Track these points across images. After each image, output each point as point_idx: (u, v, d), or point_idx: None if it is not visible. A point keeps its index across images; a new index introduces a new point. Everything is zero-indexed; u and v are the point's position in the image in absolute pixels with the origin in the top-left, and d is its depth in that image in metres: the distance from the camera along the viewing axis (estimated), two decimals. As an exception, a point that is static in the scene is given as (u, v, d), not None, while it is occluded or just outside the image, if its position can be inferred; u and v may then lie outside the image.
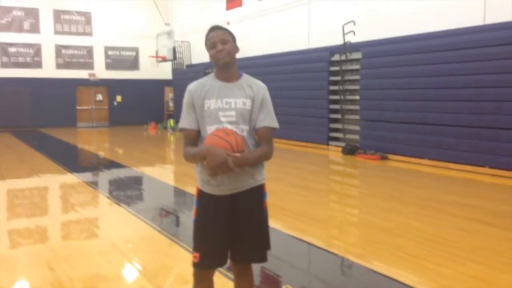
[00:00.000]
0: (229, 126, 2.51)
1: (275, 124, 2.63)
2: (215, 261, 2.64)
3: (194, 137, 2.63)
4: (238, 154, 2.41)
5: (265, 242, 2.69)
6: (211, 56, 2.59)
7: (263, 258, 2.71)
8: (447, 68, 9.64)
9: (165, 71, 23.10)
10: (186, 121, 2.63)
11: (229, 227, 2.58)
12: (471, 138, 9.21)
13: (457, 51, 9.47)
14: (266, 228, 2.70)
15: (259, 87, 2.63)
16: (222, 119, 2.53)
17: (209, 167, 2.39)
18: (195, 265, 2.62)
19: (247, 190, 2.59)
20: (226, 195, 2.57)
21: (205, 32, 2.67)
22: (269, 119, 2.61)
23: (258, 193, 2.65)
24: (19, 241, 5.27)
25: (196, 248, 2.63)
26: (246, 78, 2.65)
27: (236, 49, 2.62)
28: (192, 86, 2.65)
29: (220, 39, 2.56)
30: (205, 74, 16.96)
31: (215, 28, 2.62)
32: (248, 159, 2.51)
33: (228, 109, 2.54)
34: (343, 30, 12.13)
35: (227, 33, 2.60)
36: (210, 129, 2.54)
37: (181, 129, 2.68)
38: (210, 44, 2.58)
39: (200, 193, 2.67)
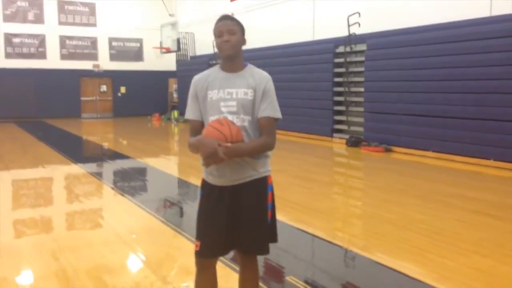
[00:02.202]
0: (229, 116, 2.51)
1: (277, 114, 2.58)
2: (216, 251, 2.64)
3: (198, 128, 2.64)
4: (229, 144, 2.40)
5: (267, 234, 2.66)
6: (217, 45, 2.58)
7: (264, 251, 2.67)
8: (452, 60, 9.59)
9: (169, 63, 23.08)
10: (190, 112, 2.67)
11: (231, 217, 2.58)
12: (476, 131, 9.17)
13: (463, 42, 9.42)
14: (269, 221, 2.67)
15: (262, 77, 2.60)
16: (223, 109, 2.53)
17: (201, 157, 2.42)
18: (196, 253, 2.64)
19: (249, 181, 2.59)
20: (228, 185, 2.57)
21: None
22: (270, 108, 2.56)
23: (261, 185, 2.63)
24: (24, 231, 5.31)
25: (198, 237, 2.65)
26: (250, 69, 2.63)
27: (243, 42, 2.61)
28: (196, 78, 2.67)
29: (227, 29, 2.54)
30: (209, 65, 16.93)
31: (225, 17, 2.60)
32: (242, 150, 2.49)
33: (229, 99, 2.54)
34: (348, 22, 12.07)
35: (236, 24, 2.58)
36: (212, 119, 2.55)
37: (186, 120, 2.70)
38: (218, 33, 2.55)
39: (204, 183, 2.69)
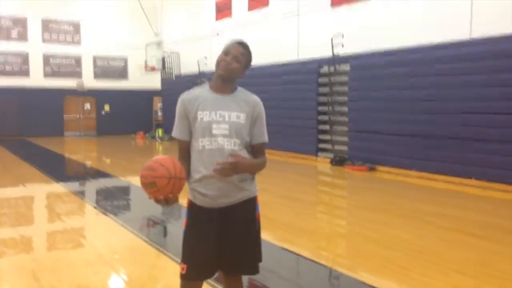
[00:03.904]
0: (220, 139, 2.50)
1: (267, 138, 2.68)
2: (203, 274, 2.61)
3: (185, 148, 2.63)
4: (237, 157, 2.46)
5: (257, 254, 2.67)
6: (217, 60, 2.57)
7: (255, 270, 2.68)
8: (434, 81, 9.75)
9: (154, 81, 23.07)
10: (178, 132, 2.63)
11: (219, 239, 2.55)
12: (458, 151, 9.29)
13: (444, 64, 9.59)
14: (258, 240, 2.68)
15: (255, 103, 2.62)
16: (215, 131, 2.51)
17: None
18: (182, 276, 2.59)
19: (238, 203, 2.58)
20: (216, 207, 2.55)
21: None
22: (264, 134, 2.65)
23: (249, 206, 2.63)
24: (4, 251, 5.19)
25: (184, 260, 2.60)
26: (241, 92, 2.63)
27: (241, 74, 2.60)
28: (185, 96, 2.62)
29: (235, 55, 2.54)
30: (194, 84, 16.95)
31: (241, 44, 2.60)
32: (254, 164, 2.58)
33: (221, 121, 2.52)
34: (332, 42, 12.22)
35: (245, 55, 2.59)
36: (202, 141, 2.52)
37: (171, 138, 2.69)
38: (225, 51, 2.56)
39: (191, 204, 2.64)
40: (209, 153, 2.51)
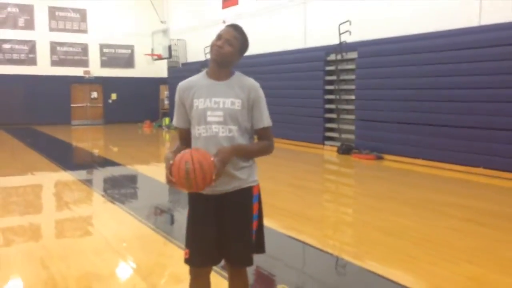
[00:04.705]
0: (215, 126, 2.49)
1: (270, 122, 2.62)
2: (205, 259, 2.60)
3: (184, 136, 2.66)
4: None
5: (250, 246, 2.62)
6: (210, 45, 2.55)
7: (247, 262, 2.64)
8: (442, 68, 9.66)
9: (160, 69, 23.07)
10: (176, 120, 2.68)
11: (218, 227, 2.56)
12: (465, 139, 9.23)
13: (452, 51, 9.50)
14: (253, 231, 2.62)
15: (251, 87, 2.55)
16: (209, 118, 2.50)
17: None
18: (186, 261, 2.62)
19: (234, 192, 2.56)
20: (213, 195, 2.55)
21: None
22: (265, 118, 2.58)
23: (245, 195, 2.60)
24: (13, 238, 5.25)
25: (187, 245, 2.64)
26: (237, 77, 2.59)
27: (236, 58, 2.55)
28: (181, 85, 2.63)
29: (227, 38, 2.50)
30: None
31: (233, 26, 2.57)
32: (250, 150, 2.56)
33: (216, 108, 2.50)
34: (339, 30, 12.14)
35: (238, 39, 2.53)
36: (198, 128, 2.53)
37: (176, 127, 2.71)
38: (217, 35, 2.53)
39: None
40: (204, 140, 2.50)
